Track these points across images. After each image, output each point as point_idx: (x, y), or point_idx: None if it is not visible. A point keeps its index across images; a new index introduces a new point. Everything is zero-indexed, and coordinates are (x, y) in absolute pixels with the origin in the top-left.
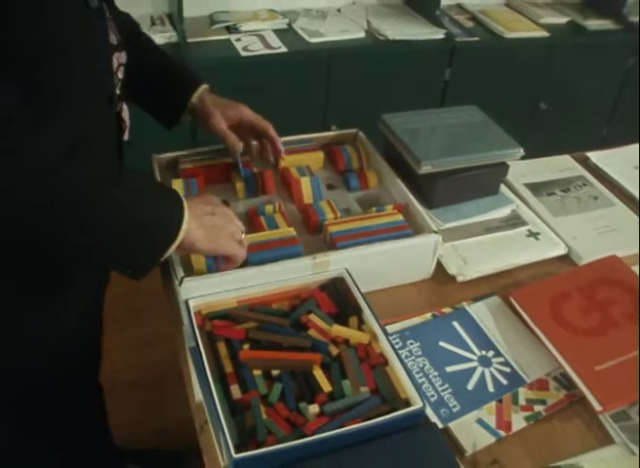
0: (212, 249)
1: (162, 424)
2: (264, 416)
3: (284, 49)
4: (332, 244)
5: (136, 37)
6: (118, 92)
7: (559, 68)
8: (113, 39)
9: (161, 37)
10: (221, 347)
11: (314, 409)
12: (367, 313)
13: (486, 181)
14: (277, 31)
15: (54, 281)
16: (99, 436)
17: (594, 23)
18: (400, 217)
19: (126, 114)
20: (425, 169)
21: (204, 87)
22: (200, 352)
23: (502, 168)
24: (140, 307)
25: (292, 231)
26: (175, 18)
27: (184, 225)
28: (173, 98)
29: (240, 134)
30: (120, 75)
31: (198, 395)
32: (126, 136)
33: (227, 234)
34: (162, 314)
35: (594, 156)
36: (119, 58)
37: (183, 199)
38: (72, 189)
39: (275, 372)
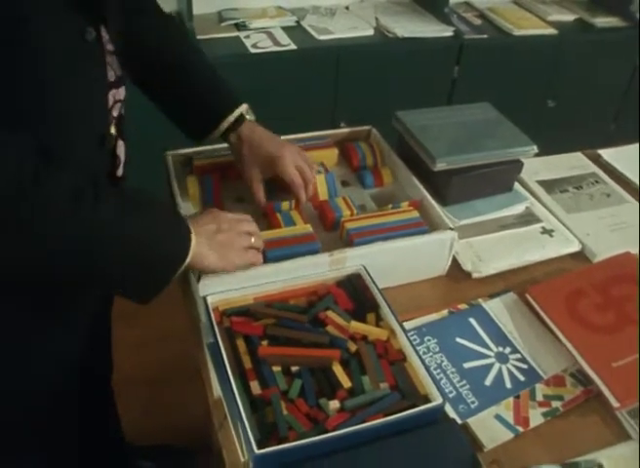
0: (224, 267)
1: (171, 421)
2: (285, 412)
3: (293, 46)
4: (349, 240)
5: (174, 42)
6: (113, 129)
7: (567, 66)
8: (111, 75)
9: None
10: (240, 343)
11: (335, 404)
12: (385, 309)
13: (500, 179)
14: (286, 29)
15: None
16: (110, 434)
17: (602, 21)
18: (416, 214)
19: (121, 151)
20: (440, 166)
21: (240, 110)
22: (219, 348)
23: (517, 165)
24: (140, 309)
25: (309, 228)
26: (184, 15)
27: (191, 253)
28: (205, 113)
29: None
30: (115, 113)
31: (217, 391)
32: (120, 172)
33: (237, 248)
34: (170, 312)
35: (606, 153)
36: (116, 95)
37: (190, 226)
38: (91, 226)
39: (294, 369)
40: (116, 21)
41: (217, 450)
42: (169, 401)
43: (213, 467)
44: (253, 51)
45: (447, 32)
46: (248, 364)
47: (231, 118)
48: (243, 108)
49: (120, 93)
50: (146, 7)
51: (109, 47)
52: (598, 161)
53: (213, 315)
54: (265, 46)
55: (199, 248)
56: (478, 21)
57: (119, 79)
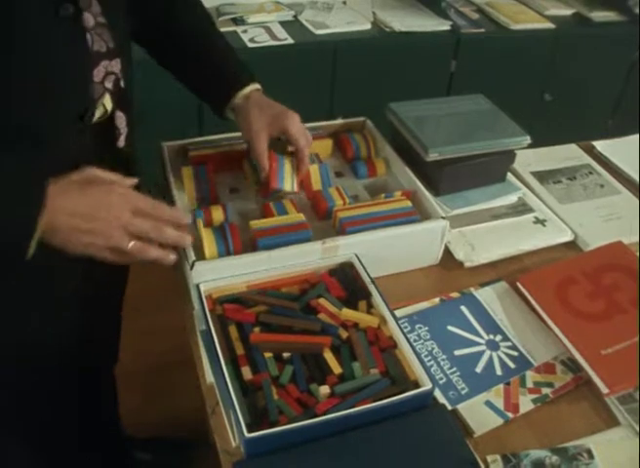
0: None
1: (167, 413)
2: (276, 397)
3: (290, 40)
4: (341, 229)
5: (199, 22)
6: (108, 101)
7: (564, 60)
8: (102, 46)
9: None
10: (232, 330)
11: (325, 389)
12: (376, 297)
13: (493, 169)
14: (283, 23)
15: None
16: (108, 425)
17: (599, 15)
18: (408, 204)
19: (121, 122)
20: (433, 156)
21: (251, 88)
22: (211, 334)
23: (509, 155)
24: (141, 299)
25: (301, 217)
26: None
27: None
28: (217, 91)
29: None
30: (108, 85)
31: (209, 377)
32: (121, 143)
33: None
34: (164, 305)
35: (600, 145)
36: (108, 67)
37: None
38: None
39: (286, 355)
40: None
41: (212, 439)
42: (168, 392)
43: (211, 459)
44: (250, 45)
45: (444, 26)
46: (240, 350)
47: (247, 90)
48: (256, 86)
49: (114, 64)
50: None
51: (100, 19)
52: (592, 153)
53: (205, 302)
54: (263, 40)
55: (53, 225)
56: (475, 16)
57: (113, 51)
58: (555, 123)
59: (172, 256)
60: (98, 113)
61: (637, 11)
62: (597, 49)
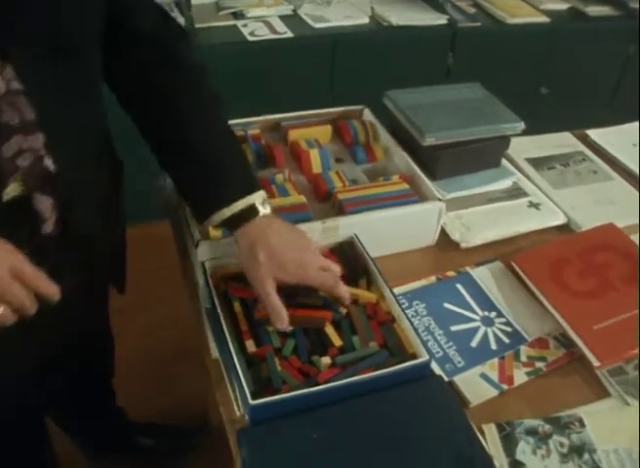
0: None
1: (167, 403)
2: (279, 368)
3: (290, 34)
4: (341, 210)
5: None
6: (18, 183)
7: (560, 53)
8: (13, 119)
9: None
10: (237, 306)
11: (326, 360)
12: (375, 275)
13: (487, 154)
14: (283, 17)
15: None
16: (110, 410)
17: (595, 9)
18: (406, 186)
19: (44, 206)
20: (429, 141)
21: (251, 200)
22: (217, 309)
23: (504, 141)
24: (140, 293)
25: (302, 198)
26: (183, 4)
27: None
28: (202, 201)
29: None
30: (24, 163)
31: (214, 353)
32: (47, 229)
33: None
34: (163, 299)
35: (593, 133)
36: (24, 143)
37: None
38: None
39: (288, 329)
40: (27, 57)
41: (215, 425)
42: (168, 383)
43: (208, 446)
44: (251, 39)
45: (441, 20)
46: (244, 325)
47: (236, 207)
48: (257, 197)
49: (33, 140)
50: (161, 61)
51: (15, 85)
52: (586, 141)
53: (210, 280)
54: (263, 34)
55: None
56: (472, 10)
57: (31, 124)
58: (551, 116)
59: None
60: (11, 192)
61: (632, 5)
62: (592, 43)
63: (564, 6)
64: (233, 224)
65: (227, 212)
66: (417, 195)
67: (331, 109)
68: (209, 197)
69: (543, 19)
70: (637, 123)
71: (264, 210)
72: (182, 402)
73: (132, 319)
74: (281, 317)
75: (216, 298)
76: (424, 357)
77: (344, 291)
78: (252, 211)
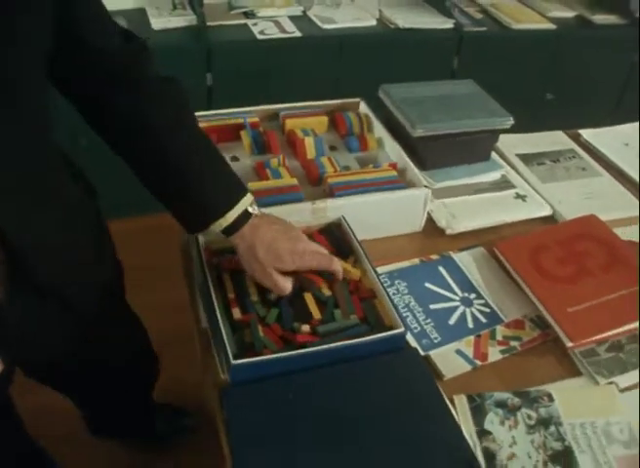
0: None
1: (166, 386)
2: (261, 334)
3: (298, 34)
4: (330, 193)
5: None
6: None
7: (565, 60)
8: None
9: (182, 20)
10: (226, 277)
11: (306, 328)
12: (360, 254)
13: (477, 147)
14: (292, 18)
15: None
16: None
17: (601, 18)
18: (394, 173)
19: None
20: (419, 132)
21: (243, 206)
22: (207, 280)
23: (493, 135)
24: (141, 277)
25: (294, 181)
26: (195, 2)
27: None
28: (195, 213)
29: None
30: None
31: (204, 323)
32: None
33: None
34: (163, 283)
35: (586, 133)
36: None
37: None
38: None
39: (273, 296)
40: None
41: (208, 408)
42: (165, 365)
43: (203, 426)
44: (260, 37)
45: (447, 24)
46: (231, 294)
47: (231, 217)
48: (247, 201)
49: None
50: (122, 77)
51: None
52: (578, 140)
53: (203, 253)
54: (272, 33)
55: None
56: (479, 15)
57: None
58: (556, 121)
59: None
60: None
61: (637, 15)
62: (597, 50)
63: (571, 14)
64: (229, 231)
65: (224, 222)
66: (405, 182)
67: (328, 101)
68: (200, 212)
69: (549, 25)
70: (629, 124)
71: (254, 210)
72: (181, 387)
73: (131, 303)
74: (286, 292)
75: (207, 270)
76: (400, 328)
77: (338, 266)
78: (245, 215)
